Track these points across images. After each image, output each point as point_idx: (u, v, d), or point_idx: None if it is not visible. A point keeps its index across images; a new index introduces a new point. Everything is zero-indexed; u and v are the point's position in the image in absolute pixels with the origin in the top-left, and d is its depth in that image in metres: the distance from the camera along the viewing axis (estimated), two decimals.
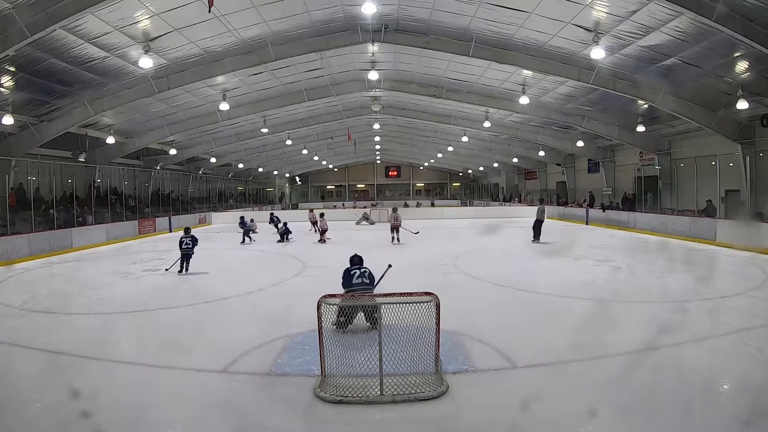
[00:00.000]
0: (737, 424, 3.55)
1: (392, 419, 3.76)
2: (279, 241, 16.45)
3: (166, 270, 10.64)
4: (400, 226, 15.26)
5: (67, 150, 17.82)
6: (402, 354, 4.24)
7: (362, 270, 5.91)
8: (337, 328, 4.97)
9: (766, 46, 9.46)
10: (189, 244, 10.54)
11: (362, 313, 5.15)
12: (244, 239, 16.56)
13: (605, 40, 11.57)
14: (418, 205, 40.48)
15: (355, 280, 5.77)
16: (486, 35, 12.80)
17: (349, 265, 6.09)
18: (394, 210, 15.86)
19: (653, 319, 6.18)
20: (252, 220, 17.66)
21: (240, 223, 17.08)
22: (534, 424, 3.63)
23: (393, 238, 15.16)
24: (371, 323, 5.07)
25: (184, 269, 10.39)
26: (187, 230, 10.95)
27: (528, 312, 6.82)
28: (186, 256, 10.49)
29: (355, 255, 6.22)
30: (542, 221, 15.48)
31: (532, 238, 15.24)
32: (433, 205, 41.12)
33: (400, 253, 12.88)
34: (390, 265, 6.03)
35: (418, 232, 6.06)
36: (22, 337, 5.80)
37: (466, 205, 41.67)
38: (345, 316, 4.94)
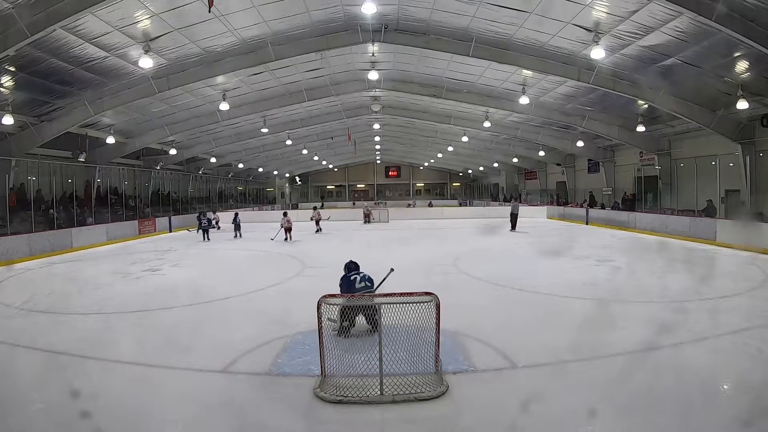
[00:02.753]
0: (737, 424, 3.55)
1: (392, 419, 3.76)
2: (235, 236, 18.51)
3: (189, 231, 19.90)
4: (320, 220, 20.07)
5: (67, 150, 17.81)
6: (402, 354, 4.24)
7: (361, 274, 5.83)
8: (339, 334, 4.92)
9: (766, 46, 9.45)
10: (206, 223, 17.97)
11: (362, 316, 5.08)
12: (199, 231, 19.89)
13: (605, 40, 11.57)
14: (431, 205, 41.31)
15: (358, 285, 5.66)
16: (486, 35, 12.80)
17: (345, 272, 5.94)
18: (315, 208, 20.33)
19: (653, 319, 6.18)
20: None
21: (198, 217, 20.85)
22: (534, 423, 3.63)
23: (317, 229, 19.44)
24: (372, 326, 5.04)
25: (205, 239, 17.46)
26: (204, 213, 18.79)
27: (528, 312, 6.81)
28: (205, 230, 17.78)
29: (351, 261, 6.11)
30: (517, 214, 19.26)
31: (510, 229, 18.77)
32: (468, 203, 41.77)
33: (400, 253, 12.87)
34: (392, 269, 5.94)
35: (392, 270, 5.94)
36: (23, 337, 5.79)
37: (466, 205, 41.80)
38: (349, 320, 4.92)
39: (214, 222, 20.60)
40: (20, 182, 15.81)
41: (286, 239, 16.65)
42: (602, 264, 10.65)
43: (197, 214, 21.27)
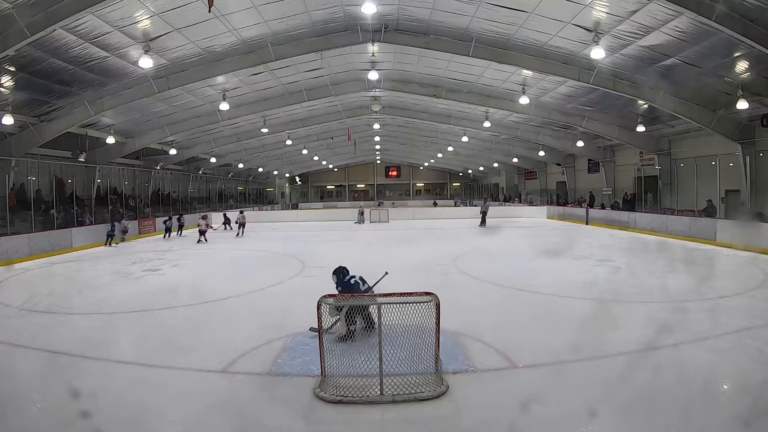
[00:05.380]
0: (737, 424, 3.55)
1: (392, 419, 3.76)
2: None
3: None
4: (206, 229, 17.87)
5: (67, 150, 17.80)
6: (402, 354, 4.24)
7: (358, 277, 5.74)
8: (344, 339, 4.87)
9: (766, 46, 9.45)
10: (172, 222, 19.58)
11: (360, 316, 5.09)
12: (179, 231, 20.42)
13: (605, 40, 11.56)
14: (435, 204, 42.14)
15: (362, 288, 5.60)
16: (486, 35, 12.79)
17: (339, 278, 5.74)
18: (204, 217, 18.97)
19: (653, 319, 6.18)
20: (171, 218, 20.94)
21: (178, 218, 21.07)
22: (534, 424, 3.63)
23: (200, 239, 17.34)
24: (369, 326, 5.06)
25: (177, 235, 19.45)
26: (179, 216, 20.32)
27: (528, 312, 6.82)
28: (168, 229, 19.45)
29: (341, 267, 5.90)
30: (486, 212, 22.19)
31: (479, 224, 21.53)
32: (467, 203, 42.38)
33: (400, 253, 12.89)
34: (386, 273, 5.87)
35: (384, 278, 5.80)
36: (22, 337, 5.80)
37: (465, 205, 41.84)
38: (354, 324, 4.89)
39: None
40: (20, 182, 15.81)
41: (238, 234, 19.42)
42: (602, 264, 10.66)
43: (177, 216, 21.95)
